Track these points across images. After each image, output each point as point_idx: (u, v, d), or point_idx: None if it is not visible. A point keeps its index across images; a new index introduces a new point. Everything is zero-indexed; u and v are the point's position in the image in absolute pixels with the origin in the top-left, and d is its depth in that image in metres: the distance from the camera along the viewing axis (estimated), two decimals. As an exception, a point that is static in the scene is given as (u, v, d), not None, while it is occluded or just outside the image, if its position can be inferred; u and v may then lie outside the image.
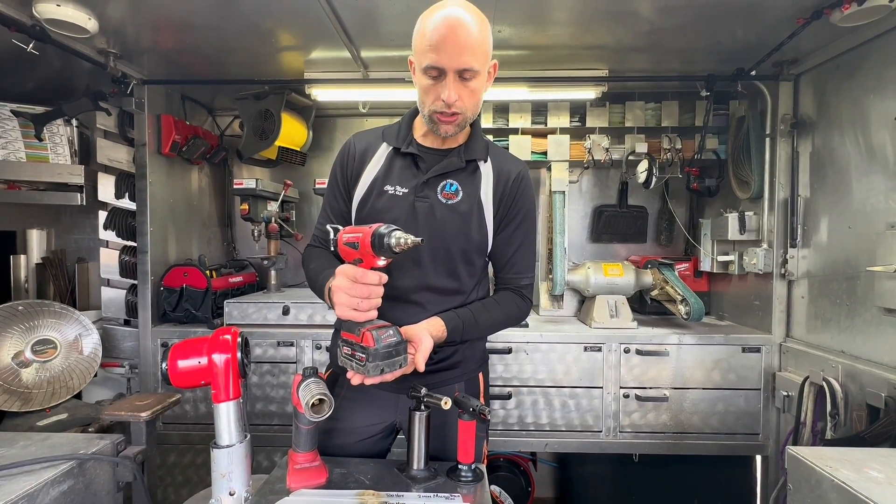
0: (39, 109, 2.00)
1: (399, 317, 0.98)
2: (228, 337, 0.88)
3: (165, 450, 2.10)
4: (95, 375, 2.03)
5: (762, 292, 2.09)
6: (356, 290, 0.85)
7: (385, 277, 0.87)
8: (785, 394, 1.90)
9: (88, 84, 1.95)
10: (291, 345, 2.06)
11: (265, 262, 2.39)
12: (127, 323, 2.26)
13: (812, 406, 1.76)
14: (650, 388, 2.01)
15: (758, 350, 2.00)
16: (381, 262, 0.83)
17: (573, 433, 2.02)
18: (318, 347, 2.05)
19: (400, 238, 0.78)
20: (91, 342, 2.00)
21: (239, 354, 0.87)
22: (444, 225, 1.04)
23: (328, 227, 0.95)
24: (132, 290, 2.20)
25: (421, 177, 1.05)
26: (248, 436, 0.88)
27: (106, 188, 2.15)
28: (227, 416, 0.85)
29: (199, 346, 0.87)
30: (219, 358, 0.86)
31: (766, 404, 2.00)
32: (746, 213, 2.08)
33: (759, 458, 2.12)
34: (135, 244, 2.14)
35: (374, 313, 0.87)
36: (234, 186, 2.21)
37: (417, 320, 1.00)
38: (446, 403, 0.89)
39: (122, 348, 2.22)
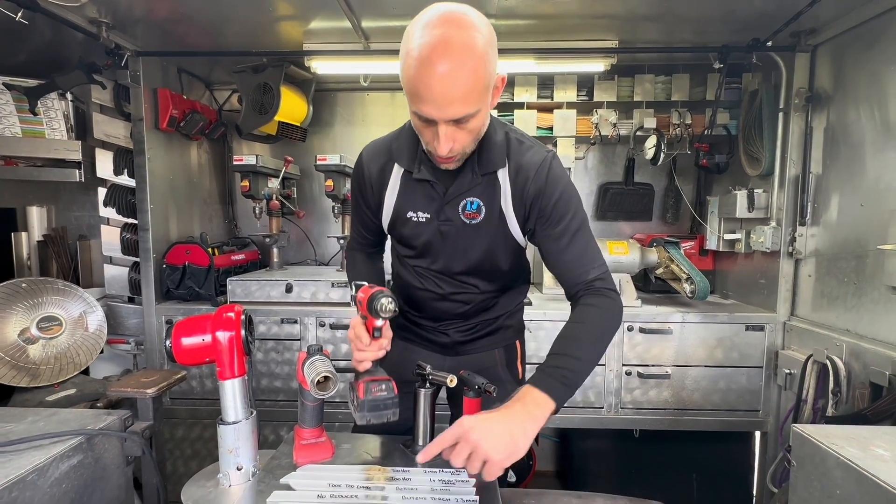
0: (32, 82, 1.95)
1: (446, 309, 1.11)
2: (232, 314, 0.87)
3: (174, 424, 2.14)
4: (102, 352, 2.04)
5: (768, 271, 2.07)
6: (353, 344, 0.91)
7: (379, 342, 0.90)
8: (787, 372, 1.91)
9: (81, 56, 1.90)
10: (295, 322, 2.07)
11: (267, 239, 2.37)
12: (131, 300, 2.27)
13: (814, 384, 1.77)
14: (653, 365, 2.02)
15: (761, 328, 2.00)
16: (379, 322, 0.88)
17: (575, 409, 2.04)
18: (322, 325, 2.06)
19: (384, 305, 0.84)
20: (96, 319, 2.01)
21: (243, 332, 0.87)
22: (471, 246, 1.03)
23: (353, 283, 1.01)
24: (135, 267, 2.19)
25: (439, 200, 1.00)
26: (254, 412, 0.89)
27: (104, 164, 2.12)
28: (232, 394, 0.85)
29: (202, 324, 0.86)
30: (223, 335, 0.85)
31: (767, 382, 2.01)
32: (756, 191, 2.04)
33: (758, 434, 2.15)
34: (135, 221, 2.13)
35: (369, 364, 0.90)
36: (234, 163, 2.18)
37: (459, 312, 1.11)
38: (452, 381, 0.89)
39: (128, 325, 2.24)
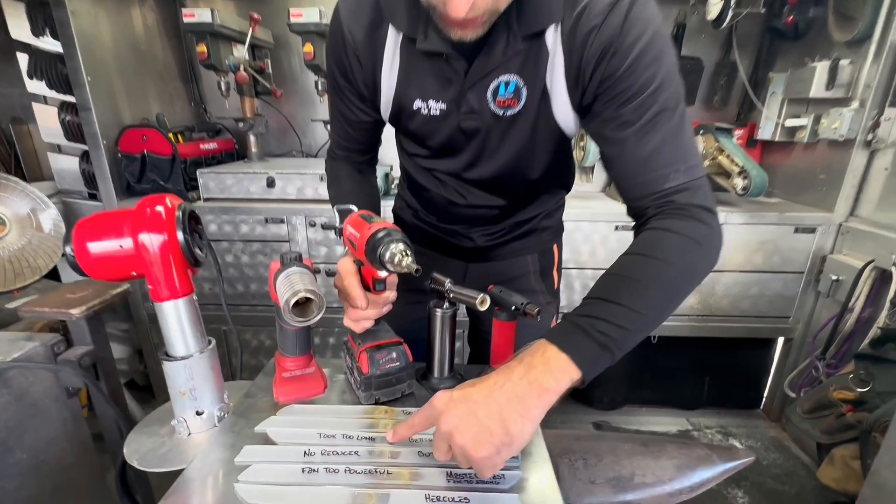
0: None
1: (470, 214, 0.84)
2: (161, 209, 0.59)
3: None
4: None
5: (833, 164, 1.76)
6: (344, 299, 0.67)
7: (384, 297, 0.67)
8: (834, 278, 1.71)
9: None
10: (282, 222, 1.80)
11: (240, 124, 2.00)
12: (93, 197, 1.97)
13: (867, 291, 1.58)
14: (683, 270, 1.82)
15: (812, 231, 1.76)
16: (383, 273, 0.62)
17: (592, 316, 1.89)
18: (312, 225, 1.80)
19: (394, 257, 0.57)
20: (49, 218, 1.73)
21: (180, 234, 0.59)
22: (505, 145, 0.71)
23: (335, 209, 0.72)
24: (85, 157, 1.85)
25: (459, 82, 0.66)
26: (213, 341, 0.65)
27: (16, 22, 1.65)
28: (176, 319, 0.61)
29: (117, 223, 0.59)
30: (149, 239, 0.58)
31: (805, 288, 1.83)
32: (841, 62, 1.64)
33: (780, 340, 2.04)
34: (73, 99, 1.73)
35: (369, 324, 0.69)
36: (185, 19, 1.71)
37: (487, 216, 0.85)
38: (483, 303, 0.64)
39: (92, 225, 1.97)
